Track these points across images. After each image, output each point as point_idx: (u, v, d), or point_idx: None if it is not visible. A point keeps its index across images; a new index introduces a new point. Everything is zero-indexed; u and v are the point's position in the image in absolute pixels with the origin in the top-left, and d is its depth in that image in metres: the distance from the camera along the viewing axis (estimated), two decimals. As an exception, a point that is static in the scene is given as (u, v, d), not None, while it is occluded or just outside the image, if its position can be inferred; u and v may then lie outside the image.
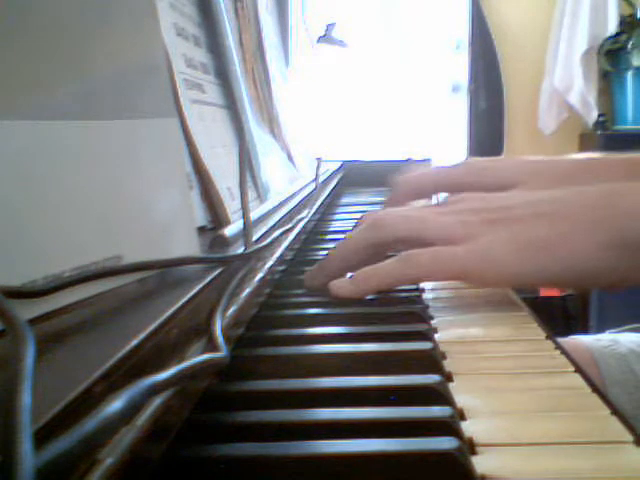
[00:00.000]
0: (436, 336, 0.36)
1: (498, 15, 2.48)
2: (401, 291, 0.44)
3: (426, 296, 0.45)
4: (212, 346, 0.27)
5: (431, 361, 0.31)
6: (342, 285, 0.42)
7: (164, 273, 0.32)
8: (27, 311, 0.23)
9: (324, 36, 2.02)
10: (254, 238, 0.43)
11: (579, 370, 0.30)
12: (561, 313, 2.16)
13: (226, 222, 0.46)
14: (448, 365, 0.31)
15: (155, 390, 0.19)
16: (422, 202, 0.54)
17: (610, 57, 2.33)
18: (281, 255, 0.48)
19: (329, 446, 0.23)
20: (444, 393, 0.27)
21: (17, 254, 0.24)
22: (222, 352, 0.26)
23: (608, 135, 2.30)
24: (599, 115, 2.32)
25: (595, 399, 0.27)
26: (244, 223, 0.42)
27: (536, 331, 0.37)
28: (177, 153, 0.36)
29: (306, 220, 0.63)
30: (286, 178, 0.78)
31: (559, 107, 2.41)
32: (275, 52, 0.95)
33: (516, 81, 2.51)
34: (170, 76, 0.42)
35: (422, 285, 0.47)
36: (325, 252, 0.59)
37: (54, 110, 0.27)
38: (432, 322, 0.39)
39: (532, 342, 0.35)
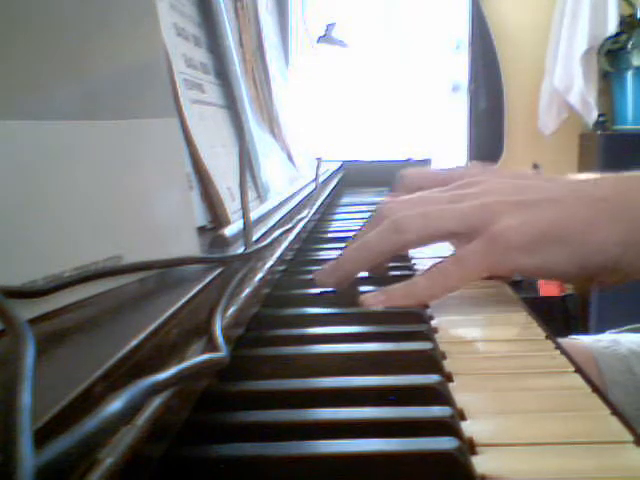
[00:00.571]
0: (436, 336, 0.36)
1: (498, 15, 2.48)
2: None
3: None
4: (212, 346, 0.27)
5: (431, 361, 0.31)
6: (375, 299, 0.40)
7: (164, 273, 0.32)
8: (27, 311, 0.23)
9: (324, 36, 2.02)
10: (254, 238, 0.43)
11: (579, 370, 0.30)
12: (561, 313, 2.16)
13: (226, 222, 0.46)
14: (448, 365, 0.31)
15: (155, 390, 0.19)
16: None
17: (610, 57, 2.33)
18: (281, 255, 0.48)
19: (329, 446, 0.23)
20: (444, 393, 0.27)
21: (17, 254, 0.24)
22: (222, 352, 0.26)
23: (608, 135, 2.30)
24: (599, 115, 2.32)
25: (595, 399, 0.27)
26: (244, 223, 0.42)
27: (536, 331, 0.37)
28: (177, 153, 0.36)
29: (306, 220, 0.63)
30: (286, 178, 0.78)
31: (559, 107, 2.41)
32: (275, 52, 0.95)
33: (516, 81, 2.51)
34: (170, 76, 0.42)
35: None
36: (325, 252, 0.59)
37: (54, 110, 0.27)
38: (432, 322, 0.39)
39: (532, 342, 0.35)
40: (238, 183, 0.45)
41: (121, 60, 0.32)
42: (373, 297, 0.40)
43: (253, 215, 0.47)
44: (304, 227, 0.62)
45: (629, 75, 2.33)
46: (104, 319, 0.26)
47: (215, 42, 0.59)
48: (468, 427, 0.25)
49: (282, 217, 0.58)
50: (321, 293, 0.44)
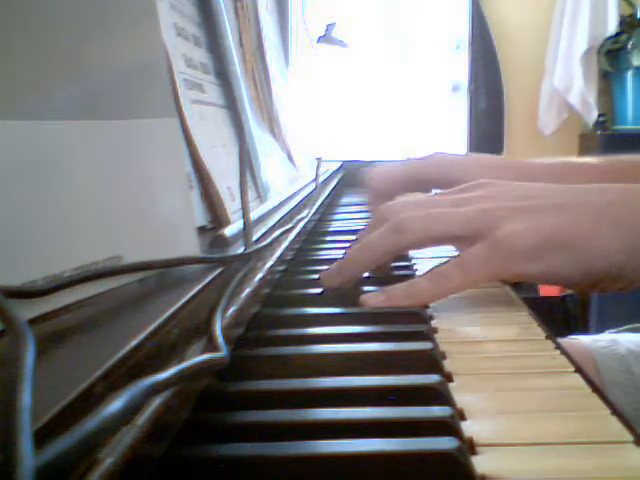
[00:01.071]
0: (436, 336, 0.36)
1: (498, 15, 2.48)
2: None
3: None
4: (212, 346, 0.27)
5: (431, 361, 0.31)
6: (375, 299, 0.41)
7: (164, 273, 0.32)
8: (27, 311, 0.23)
9: (324, 36, 2.02)
10: (254, 238, 0.43)
11: (579, 370, 0.30)
12: (561, 313, 2.16)
13: (226, 222, 0.46)
14: (448, 365, 0.31)
15: (155, 390, 0.19)
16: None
17: (610, 57, 2.33)
18: (281, 255, 0.48)
19: (329, 446, 0.23)
20: (444, 393, 0.27)
21: (17, 254, 0.24)
22: (222, 352, 0.26)
23: (608, 135, 2.30)
24: (599, 115, 2.32)
25: (595, 399, 0.27)
26: (244, 223, 0.42)
27: (536, 331, 0.37)
28: (177, 153, 0.36)
29: (306, 220, 0.63)
30: (286, 178, 0.78)
31: (559, 107, 2.41)
32: (275, 52, 0.95)
33: (516, 81, 2.51)
34: (170, 76, 0.42)
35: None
36: (325, 252, 0.59)
37: (54, 110, 0.27)
38: (432, 322, 0.39)
39: (532, 342, 0.35)
40: (238, 183, 0.45)
41: (121, 60, 0.32)
42: (373, 297, 0.40)
43: (253, 215, 0.47)
44: (304, 227, 0.62)
45: (629, 75, 2.33)
46: (104, 319, 0.26)
47: (215, 42, 0.59)
48: (468, 427, 0.25)
49: (282, 217, 0.58)
50: (322, 292, 0.44)
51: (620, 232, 0.37)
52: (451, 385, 0.29)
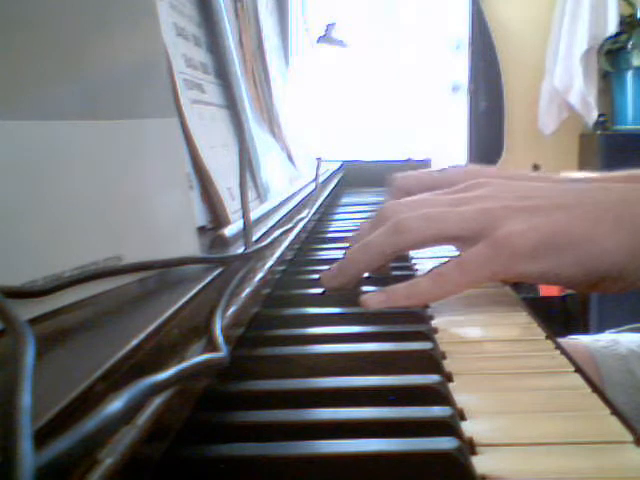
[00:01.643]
0: (436, 336, 0.36)
1: (498, 15, 2.48)
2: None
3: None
4: (212, 346, 0.27)
5: (431, 361, 0.31)
6: (376, 300, 0.40)
7: (164, 273, 0.32)
8: (27, 311, 0.23)
9: (324, 36, 2.02)
10: (254, 238, 0.43)
11: (579, 370, 0.30)
12: (561, 313, 2.16)
13: (226, 222, 0.46)
14: (448, 365, 0.31)
15: (155, 390, 0.19)
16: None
17: (610, 57, 2.33)
18: (281, 255, 0.48)
19: (329, 446, 0.23)
20: (444, 393, 0.27)
21: (17, 254, 0.24)
22: (222, 352, 0.26)
23: (608, 135, 2.30)
24: (599, 115, 2.32)
25: (595, 399, 0.27)
26: (244, 223, 0.42)
27: (536, 331, 0.37)
28: (177, 153, 0.36)
29: (306, 220, 0.63)
30: (286, 178, 0.78)
31: (559, 107, 2.41)
32: (275, 52, 0.95)
33: (516, 81, 2.51)
34: (170, 76, 0.42)
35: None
36: (325, 252, 0.59)
37: (54, 110, 0.27)
38: (432, 322, 0.39)
39: (532, 342, 0.35)
40: (238, 183, 0.45)
41: (121, 60, 0.32)
42: (373, 297, 0.40)
43: (253, 215, 0.47)
44: (304, 227, 0.62)
45: (629, 75, 2.33)
46: (104, 319, 0.26)
47: (215, 42, 0.59)
48: (468, 427, 0.25)
49: (282, 217, 0.58)
50: (323, 292, 0.44)
51: (621, 232, 0.37)
52: (451, 385, 0.29)
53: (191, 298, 0.29)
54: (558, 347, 0.34)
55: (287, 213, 0.61)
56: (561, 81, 2.35)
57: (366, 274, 0.46)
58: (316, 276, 0.48)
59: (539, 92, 2.45)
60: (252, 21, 0.78)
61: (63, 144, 0.27)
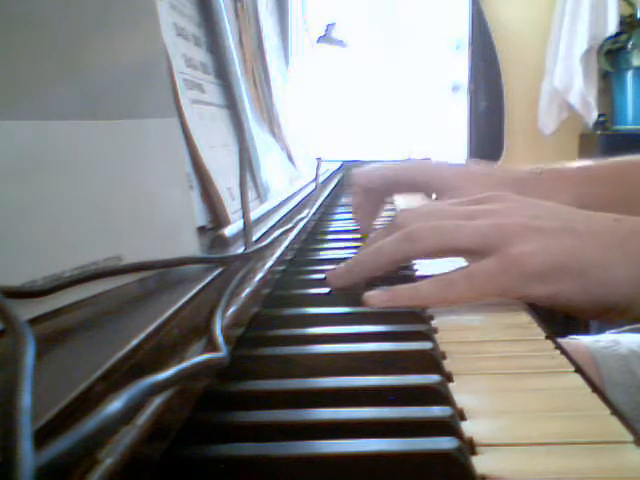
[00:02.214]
0: (436, 336, 0.36)
1: (498, 15, 2.48)
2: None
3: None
4: (212, 346, 0.27)
5: (431, 361, 0.31)
6: (379, 299, 0.40)
7: (164, 273, 0.32)
8: (27, 311, 0.23)
9: (324, 36, 2.02)
10: (254, 238, 0.43)
11: (579, 370, 0.30)
12: (561, 312, 2.16)
13: (226, 222, 0.46)
14: (448, 365, 0.31)
15: (155, 390, 0.19)
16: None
17: (610, 57, 2.33)
18: (281, 255, 0.48)
19: (329, 446, 0.23)
20: (444, 393, 0.27)
21: (17, 254, 0.24)
22: (222, 352, 0.26)
23: (608, 135, 2.30)
24: (599, 115, 2.32)
25: (595, 399, 0.27)
26: (244, 223, 0.42)
27: (536, 331, 0.37)
28: (177, 153, 0.36)
29: (306, 220, 0.63)
30: (286, 178, 0.78)
31: (559, 107, 2.41)
32: (275, 52, 0.95)
33: (516, 81, 2.51)
34: (170, 76, 0.42)
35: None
36: (325, 252, 0.59)
37: (54, 110, 0.27)
38: (432, 322, 0.39)
39: (532, 342, 0.35)
40: (238, 183, 0.45)
41: (121, 60, 0.32)
42: (377, 296, 0.40)
43: (253, 215, 0.47)
44: (304, 227, 0.62)
45: (629, 75, 2.33)
46: (104, 319, 0.26)
47: (215, 42, 0.59)
48: (468, 427, 0.25)
49: (282, 217, 0.58)
50: (329, 292, 0.44)
51: (632, 264, 0.37)
52: (451, 385, 0.29)
53: (191, 298, 0.29)
54: (558, 347, 0.34)
55: (287, 213, 0.61)
56: (561, 81, 2.35)
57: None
58: (316, 276, 0.48)
59: (539, 92, 2.45)
60: (252, 21, 0.78)
61: (63, 144, 0.27)
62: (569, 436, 0.24)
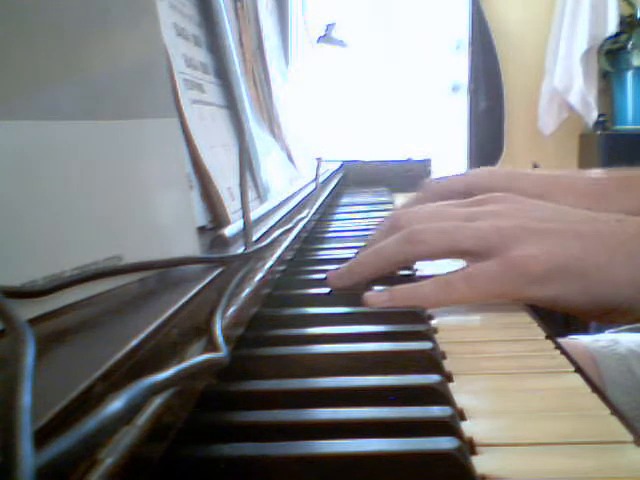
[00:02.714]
0: (436, 336, 0.36)
1: (498, 15, 2.48)
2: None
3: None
4: (212, 346, 0.27)
5: (431, 361, 0.31)
6: (379, 299, 0.40)
7: (164, 273, 0.32)
8: (27, 311, 0.23)
9: (324, 36, 2.02)
10: (254, 238, 0.43)
11: (579, 370, 0.30)
12: (561, 313, 2.16)
13: (226, 222, 0.46)
14: (448, 365, 0.31)
15: (155, 390, 0.19)
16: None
17: (610, 57, 2.33)
18: (281, 255, 0.48)
19: (329, 446, 0.23)
20: (444, 393, 0.27)
21: (17, 254, 0.24)
22: (222, 352, 0.26)
23: (608, 135, 2.31)
24: (599, 115, 2.32)
25: (595, 399, 0.27)
26: (244, 223, 0.42)
27: (536, 331, 0.37)
28: (177, 153, 0.36)
29: (306, 220, 0.63)
30: (286, 178, 0.78)
31: (559, 107, 2.41)
32: (275, 52, 0.95)
33: (516, 81, 2.51)
34: (170, 76, 0.42)
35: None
36: (325, 252, 0.59)
37: (54, 110, 0.27)
38: (432, 322, 0.39)
39: (532, 342, 0.35)
40: (238, 183, 0.45)
41: (121, 60, 0.32)
42: (376, 296, 0.40)
43: (253, 215, 0.47)
44: (304, 227, 0.62)
45: (629, 75, 2.33)
46: (104, 319, 0.26)
47: (215, 42, 0.59)
48: (468, 427, 0.25)
49: (282, 217, 0.58)
50: (330, 292, 0.44)
51: (634, 266, 0.37)
52: (451, 385, 0.29)
53: (191, 298, 0.29)
54: (558, 347, 0.34)
55: (287, 213, 0.61)
56: (561, 81, 2.35)
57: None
58: (316, 276, 0.48)
59: (539, 92, 2.45)
60: (252, 21, 0.78)
61: (63, 144, 0.27)
62: (569, 436, 0.24)
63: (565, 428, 0.25)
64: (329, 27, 2.05)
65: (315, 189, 0.81)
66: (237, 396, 0.28)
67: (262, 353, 0.33)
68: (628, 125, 2.35)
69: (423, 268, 0.49)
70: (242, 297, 0.35)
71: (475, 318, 0.40)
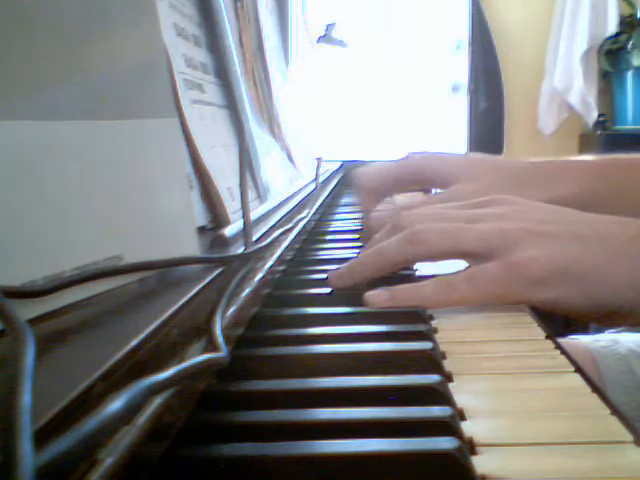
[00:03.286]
0: (436, 336, 0.36)
1: (498, 15, 2.48)
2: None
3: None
4: (212, 346, 0.27)
5: (431, 361, 0.31)
6: (379, 298, 0.40)
7: (164, 273, 0.32)
8: (27, 311, 0.23)
9: (324, 36, 2.02)
10: (254, 238, 0.43)
11: (579, 370, 0.30)
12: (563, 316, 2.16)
13: (226, 222, 0.46)
14: (448, 365, 0.31)
15: (155, 390, 0.19)
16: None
17: (610, 57, 2.33)
18: (281, 255, 0.48)
19: (329, 446, 0.23)
20: (444, 393, 0.27)
21: (17, 254, 0.24)
22: (222, 352, 0.26)
23: (608, 135, 2.31)
24: (599, 115, 2.32)
25: (595, 399, 0.27)
26: (244, 223, 0.42)
27: (536, 331, 0.37)
28: (177, 153, 0.36)
29: (306, 220, 0.63)
30: (286, 178, 0.79)
31: (559, 107, 2.41)
32: (275, 52, 0.95)
33: (516, 81, 2.51)
34: (170, 76, 0.42)
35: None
36: (325, 252, 0.59)
37: (54, 110, 0.27)
38: (432, 322, 0.39)
39: (532, 342, 0.35)
40: (238, 183, 0.45)
41: (121, 60, 0.32)
42: (377, 296, 0.40)
43: (253, 215, 0.47)
44: (304, 227, 0.62)
45: (629, 75, 2.33)
46: (104, 319, 0.26)
47: (215, 42, 0.59)
48: (468, 427, 0.25)
49: (282, 217, 0.58)
50: (331, 292, 0.44)
51: (634, 267, 0.37)
52: (451, 385, 0.29)
53: (191, 298, 0.29)
54: (558, 347, 0.34)
55: (287, 213, 0.61)
56: (561, 81, 2.35)
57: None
58: (316, 276, 0.48)
59: (539, 92, 2.45)
60: (252, 21, 0.78)
61: (63, 144, 0.27)
62: (569, 436, 0.24)
63: (565, 428, 0.25)
64: (329, 27, 2.05)
65: (315, 189, 0.81)
66: (237, 396, 0.28)
67: (262, 353, 0.33)
68: (628, 125, 2.35)
69: (422, 268, 0.49)
70: (242, 297, 0.35)
71: (475, 318, 0.40)
